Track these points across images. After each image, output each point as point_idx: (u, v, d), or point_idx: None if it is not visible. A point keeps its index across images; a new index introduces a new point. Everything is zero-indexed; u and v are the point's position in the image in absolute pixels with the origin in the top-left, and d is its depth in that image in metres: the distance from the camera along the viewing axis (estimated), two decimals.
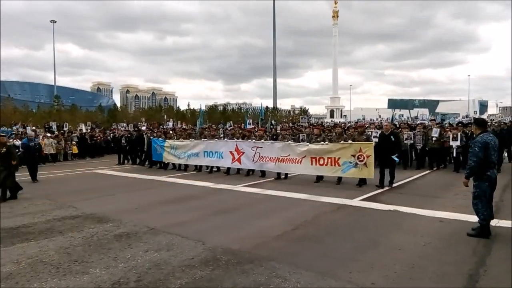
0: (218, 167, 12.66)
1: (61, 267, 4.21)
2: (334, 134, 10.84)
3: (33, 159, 11.72)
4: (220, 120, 34.07)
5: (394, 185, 9.22)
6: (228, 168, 12.10)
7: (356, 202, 7.53)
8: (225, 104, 70.39)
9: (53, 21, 50.34)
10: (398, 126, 15.85)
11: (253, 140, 11.52)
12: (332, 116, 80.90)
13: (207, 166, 12.79)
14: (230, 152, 11.70)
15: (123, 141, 16.23)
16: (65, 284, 3.76)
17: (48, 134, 17.84)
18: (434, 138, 12.32)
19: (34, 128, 19.72)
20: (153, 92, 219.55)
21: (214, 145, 12.29)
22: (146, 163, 15.05)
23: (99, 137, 20.87)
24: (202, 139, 12.98)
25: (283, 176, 10.82)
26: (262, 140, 11.24)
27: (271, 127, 19.81)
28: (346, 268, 4.08)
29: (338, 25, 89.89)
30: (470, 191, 5.40)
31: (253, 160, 11.12)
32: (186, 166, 13.44)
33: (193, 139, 13.25)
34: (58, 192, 9.43)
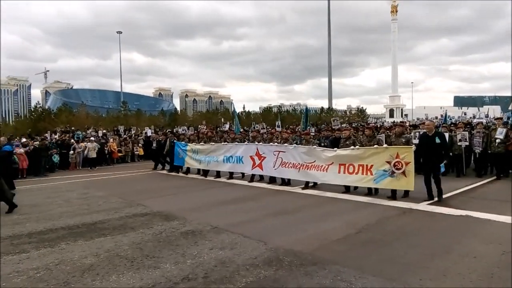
0: (242, 173, 11.64)
1: (135, 261, 4.50)
2: (364, 137, 9.58)
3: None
4: (274, 122, 34.15)
5: (460, 190, 8.55)
6: (252, 175, 11.03)
7: (423, 206, 7.13)
8: (279, 105, 70.40)
9: (119, 32, 54.01)
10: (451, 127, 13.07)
11: (275, 144, 10.56)
12: (391, 115, 77.52)
13: (229, 172, 11.72)
14: (251, 157, 10.76)
15: (154, 145, 15.96)
16: (139, 277, 4.02)
17: (92, 138, 17.69)
18: (498, 140, 10.12)
19: (105, 131, 21.34)
20: (209, 96, 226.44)
21: (234, 149, 11.47)
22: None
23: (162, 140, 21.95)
24: (223, 143, 12.22)
25: (311, 184, 9.53)
26: (286, 144, 10.21)
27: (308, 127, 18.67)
28: (416, 275, 3.89)
29: (397, 20, 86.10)
30: None
31: (274, 166, 10.11)
32: (206, 171, 12.50)
33: (213, 143, 12.53)
34: (128, 191, 10.12)
